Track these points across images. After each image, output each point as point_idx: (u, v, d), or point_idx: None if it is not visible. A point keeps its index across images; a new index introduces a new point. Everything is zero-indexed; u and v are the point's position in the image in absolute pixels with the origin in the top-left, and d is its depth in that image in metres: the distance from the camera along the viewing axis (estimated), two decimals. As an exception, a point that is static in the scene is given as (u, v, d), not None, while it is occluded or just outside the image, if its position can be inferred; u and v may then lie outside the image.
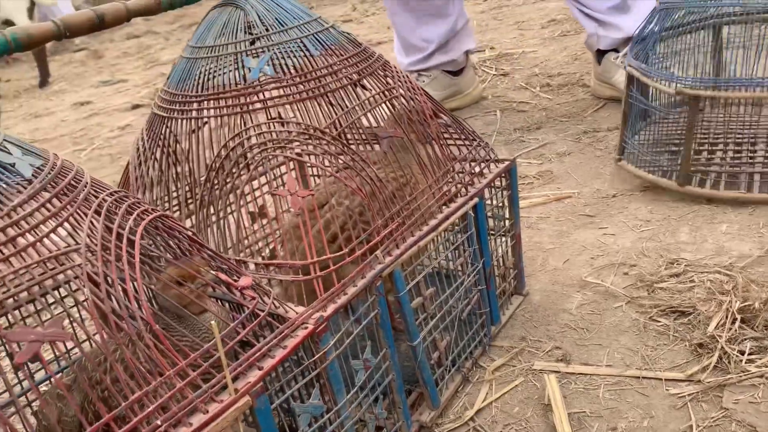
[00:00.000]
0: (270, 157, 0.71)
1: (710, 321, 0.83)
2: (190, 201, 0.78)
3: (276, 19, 0.75)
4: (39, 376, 0.82)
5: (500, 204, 0.93)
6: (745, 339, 0.80)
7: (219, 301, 0.64)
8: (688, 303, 0.88)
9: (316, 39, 0.76)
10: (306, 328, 0.61)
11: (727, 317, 0.83)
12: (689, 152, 1.10)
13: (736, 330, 0.81)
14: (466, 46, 1.86)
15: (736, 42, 1.14)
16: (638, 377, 0.80)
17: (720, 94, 1.06)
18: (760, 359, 0.77)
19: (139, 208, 0.59)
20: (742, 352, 0.78)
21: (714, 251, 0.99)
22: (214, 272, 0.61)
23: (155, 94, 3.00)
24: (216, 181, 0.73)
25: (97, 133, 2.61)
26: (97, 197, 0.57)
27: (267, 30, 0.75)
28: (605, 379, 0.81)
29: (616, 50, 1.66)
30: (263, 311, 0.61)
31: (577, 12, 1.70)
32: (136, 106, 2.93)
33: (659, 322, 0.88)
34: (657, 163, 1.17)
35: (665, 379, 0.78)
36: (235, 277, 0.63)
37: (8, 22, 4.61)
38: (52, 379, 0.53)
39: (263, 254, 0.92)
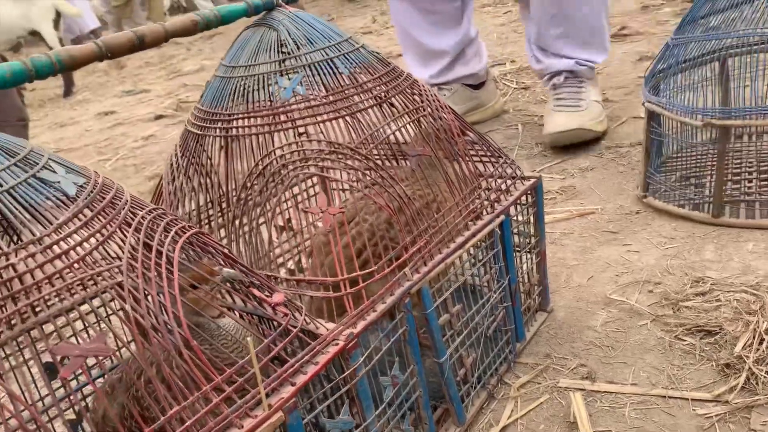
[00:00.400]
0: (300, 174, 0.73)
1: (737, 341, 0.83)
2: (220, 215, 0.79)
3: (308, 39, 0.77)
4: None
5: (526, 220, 0.93)
6: (773, 360, 0.80)
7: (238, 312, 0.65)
8: (714, 322, 0.88)
9: (347, 59, 0.78)
10: (337, 344, 0.62)
11: (754, 338, 0.82)
12: (721, 183, 1.10)
13: (763, 351, 0.81)
14: (484, 59, 1.87)
15: (750, 72, 1.14)
16: (664, 396, 0.80)
17: (749, 123, 1.06)
18: (789, 381, 0.77)
19: (176, 225, 0.61)
20: (770, 373, 0.78)
21: (740, 270, 0.99)
22: (238, 283, 0.63)
23: (178, 104, 3.05)
24: (248, 197, 0.74)
25: (121, 143, 2.65)
26: (136, 215, 0.58)
27: (299, 50, 0.76)
28: (631, 398, 0.81)
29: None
30: (295, 327, 0.62)
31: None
32: (159, 117, 2.97)
33: (685, 341, 0.88)
34: (685, 197, 1.17)
35: (692, 399, 0.78)
36: (267, 293, 0.64)
37: (35, 33, 4.71)
38: (95, 385, 0.54)
39: (288, 266, 0.94)
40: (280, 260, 0.93)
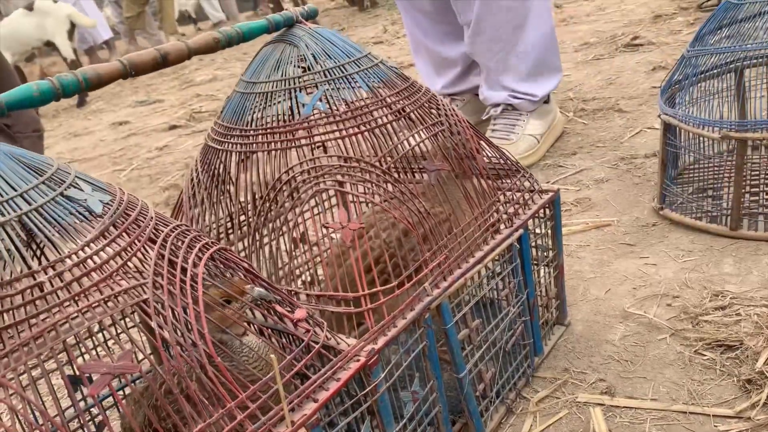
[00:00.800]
0: (319, 188, 0.73)
1: (758, 356, 0.83)
2: (239, 228, 0.80)
3: (327, 55, 0.77)
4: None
5: (544, 234, 0.93)
6: (795, 376, 0.79)
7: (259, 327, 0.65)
8: (734, 337, 0.87)
9: (366, 74, 0.78)
10: (358, 360, 0.62)
11: (776, 353, 0.82)
12: (739, 196, 1.10)
13: (785, 366, 0.80)
14: None
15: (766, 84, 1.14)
16: (685, 412, 0.79)
17: (767, 136, 1.06)
18: (812, 397, 0.76)
19: (199, 241, 0.61)
20: (793, 390, 0.77)
21: (760, 284, 0.98)
22: (265, 302, 0.63)
23: (191, 115, 3.07)
24: (268, 211, 0.75)
25: (135, 154, 2.67)
26: (161, 232, 0.59)
27: (319, 66, 0.77)
28: (651, 414, 0.80)
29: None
30: (317, 343, 0.62)
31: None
32: (173, 127, 2.99)
33: (705, 355, 0.87)
34: (702, 209, 1.17)
35: (713, 415, 0.78)
36: (289, 308, 0.65)
37: (49, 43, 4.76)
38: (117, 396, 0.55)
39: (303, 278, 0.94)
40: (297, 272, 0.93)
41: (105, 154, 2.80)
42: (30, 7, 4.73)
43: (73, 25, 4.66)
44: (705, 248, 1.11)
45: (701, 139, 1.19)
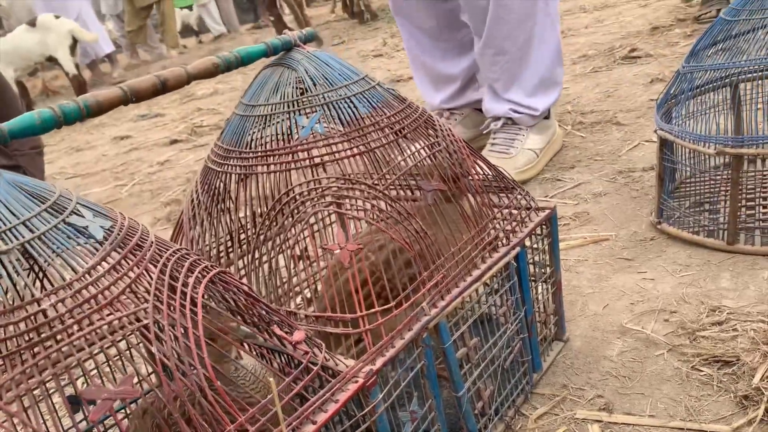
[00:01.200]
0: (319, 208, 0.74)
1: (755, 372, 0.83)
2: (239, 247, 0.81)
3: (326, 78, 0.79)
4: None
5: (542, 250, 0.94)
6: (792, 392, 0.80)
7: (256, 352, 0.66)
8: (731, 353, 0.88)
9: (364, 96, 0.79)
10: (356, 381, 0.63)
11: (772, 369, 0.82)
12: (735, 210, 1.11)
13: (781, 382, 0.81)
14: None
15: (763, 97, 1.15)
16: (683, 429, 0.80)
17: (762, 151, 1.07)
18: (808, 413, 0.77)
19: (199, 265, 0.62)
20: (789, 406, 0.78)
21: (756, 299, 0.99)
22: (265, 322, 0.64)
23: (192, 129, 3.08)
24: (267, 231, 0.76)
25: (137, 168, 2.68)
26: (161, 256, 0.60)
27: (317, 89, 0.78)
28: (649, 430, 0.81)
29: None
30: (316, 365, 0.63)
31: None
32: (174, 141, 3.01)
33: (702, 371, 0.88)
34: (699, 223, 1.17)
35: (710, 432, 0.78)
36: (287, 330, 0.66)
37: (52, 59, 4.79)
38: (116, 417, 0.55)
39: (302, 295, 0.95)
40: (297, 289, 0.94)
41: (107, 169, 2.82)
42: (32, 23, 4.77)
43: (75, 41, 4.70)
44: (702, 263, 1.11)
45: (697, 153, 1.20)
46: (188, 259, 0.62)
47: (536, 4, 1.58)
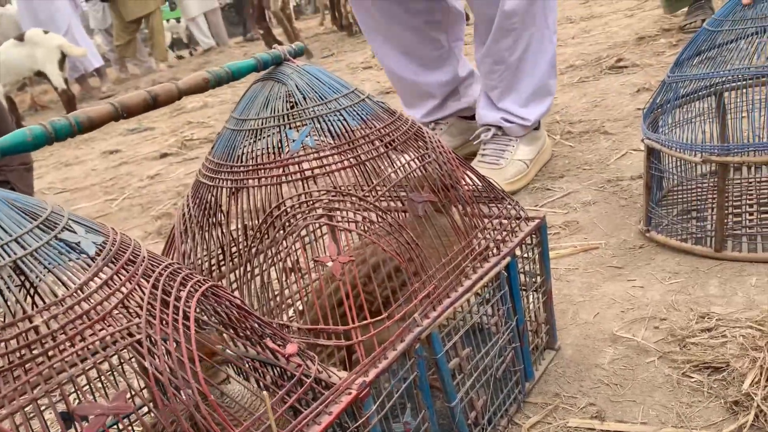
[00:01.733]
0: (309, 218, 0.75)
1: (745, 378, 0.84)
2: (231, 261, 0.81)
3: (316, 92, 0.79)
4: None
5: (532, 260, 0.95)
6: (781, 397, 0.80)
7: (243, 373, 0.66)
8: (721, 359, 0.89)
9: (354, 109, 0.80)
10: (350, 393, 0.63)
11: (761, 374, 0.83)
12: (722, 218, 1.12)
13: (771, 387, 0.81)
14: (478, 90, 1.90)
15: (747, 106, 1.17)
16: (674, 435, 0.80)
17: (747, 159, 1.08)
18: (797, 418, 0.77)
19: (191, 279, 0.62)
20: (779, 411, 0.79)
21: (744, 305, 1.00)
22: (257, 336, 0.64)
23: (182, 142, 3.08)
24: (259, 245, 0.76)
25: (127, 183, 2.68)
26: (153, 271, 0.60)
27: (307, 102, 0.79)
28: (641, 437, 0.81)
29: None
30: (309, 377, 0.63)
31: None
32: (164, 155, 3.01)
33: (693, 378, 0.88)
34: (687, 231, 1.19)
35: (702, 438, 0.79)
36: (280, 342, 0.66)
37: (40, 73, 4.79)
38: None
39: (295, 307, 0.95)
40: (289, 301, 0.94)
41: (96, 183, 2.81)
42: (21, 38, 4.76)
43: (63, 55, 4.69)
44: (691, 270, 1.12)
45: (684, 162, 1.21)
46: (180, 273, 0.62)
47: (537, 17, 1.61)
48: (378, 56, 1.93)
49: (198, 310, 0.63)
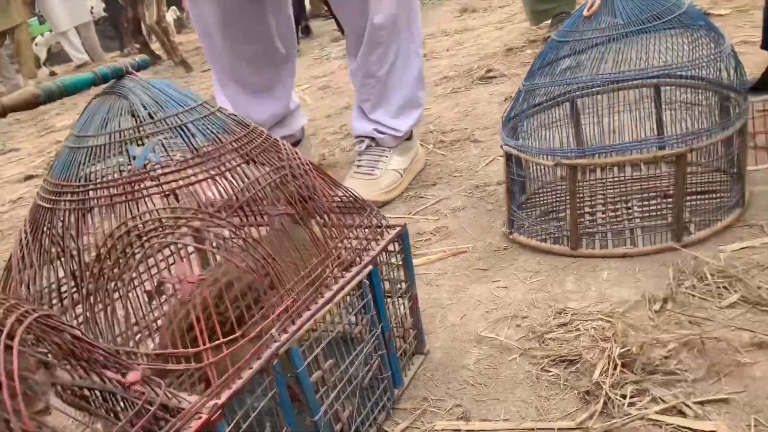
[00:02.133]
0: (156, 244, 0.72)
1: (595, 368, 0.89)
2: (74, 291, 0.76)
3: (160, 106, 0.76)
4: None
5: (396, 266, 0.96)
6: (626, 383, 0.86)
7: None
8: (575, 352, 0.94)
9: (202, 123, 0.78)
10: (200, 417, 0.61)
11: (609, 363, 0.88)
12: (575, 217, 1.18)
13: (617, 375, 0.87)
14: (301, 122, 1.94)
15: (599, 112, 1.25)
16: (533, 429, 0.84)
17: (595, 161, 1.16)
18: (640, 401, 0.83)
19: (18, 310, 0.58)
20: (624, 396, 0.84)
21: (596, 299, 1.06)
22: (100, 365, 0.60)
23: (49, 163, 2.90)
24: (102, 270, 0.72)
25: (-15, 208, 2.48)
26: (-29, 304, 0.55)
27: (151, 117, 0.76)
28: (503, 434, 0.84)
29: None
30: (153, 404, 0.60)
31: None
32: (29, 177, 2.82)
33: (551, 372, 0.92)
34: (546, 231, 1.25)
35: (558, 429, 0.83)
36: (123, 371, 0.62)
37: None
38: None
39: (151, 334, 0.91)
40: (154, 326, 0.90)
41: (-50, 210, 2.58)
42: None
43: None
44: (550, 268, 1.18)
45: (542, 166, 1.28)
46: (4, 304, 0.58)
47: (402, 32, 1.65)
48: (216, 91, 1.89)
49: (42, 349, 0.59)
